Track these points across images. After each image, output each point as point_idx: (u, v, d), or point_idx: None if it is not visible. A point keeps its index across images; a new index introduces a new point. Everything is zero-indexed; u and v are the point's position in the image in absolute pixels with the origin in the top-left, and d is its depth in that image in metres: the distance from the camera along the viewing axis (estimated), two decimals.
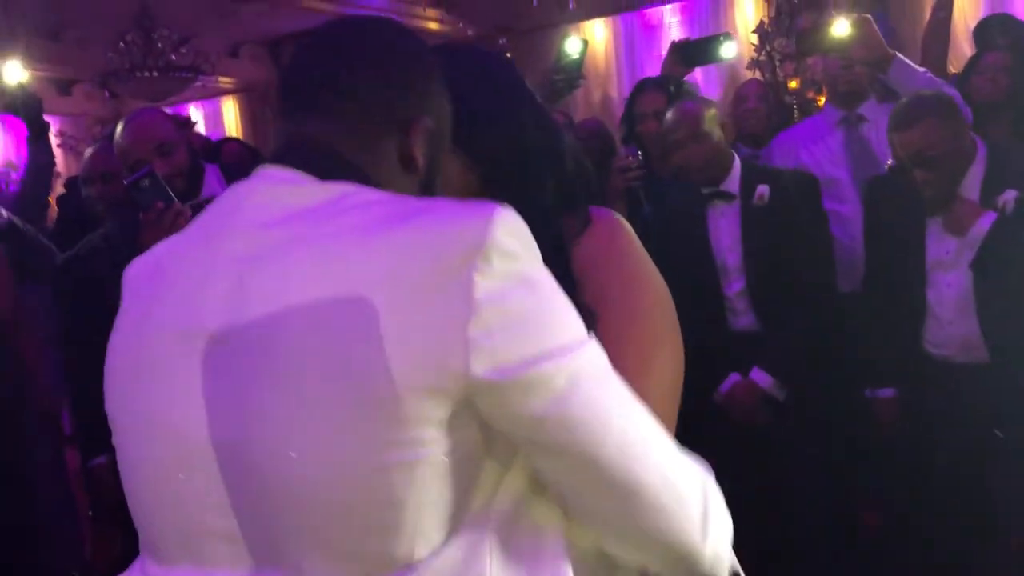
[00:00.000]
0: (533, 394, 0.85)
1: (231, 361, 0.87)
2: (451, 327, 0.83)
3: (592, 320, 1.04)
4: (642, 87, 3.50)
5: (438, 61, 1.07)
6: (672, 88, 3.33)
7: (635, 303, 1.15)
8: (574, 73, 2.85)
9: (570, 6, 5.84)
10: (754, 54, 7.26)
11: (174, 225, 1.91)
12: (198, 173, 2.42)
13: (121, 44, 7.57)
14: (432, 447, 0.84)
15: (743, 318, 2.94)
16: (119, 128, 2.32)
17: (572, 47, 2.88)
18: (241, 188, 0.96)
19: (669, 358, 1.16)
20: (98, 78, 8.05)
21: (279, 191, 0.93)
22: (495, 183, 1.17)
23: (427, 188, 1.05)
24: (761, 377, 2.85)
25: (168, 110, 3.96)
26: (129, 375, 0.95)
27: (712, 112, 2.99)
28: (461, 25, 6.70)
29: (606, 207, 1.24)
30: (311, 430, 0.83)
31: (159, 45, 7.63)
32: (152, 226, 1.92)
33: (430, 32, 7.94)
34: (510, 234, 0.86)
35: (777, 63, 7.04)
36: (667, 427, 0.98)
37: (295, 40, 10.09)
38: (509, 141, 1.19)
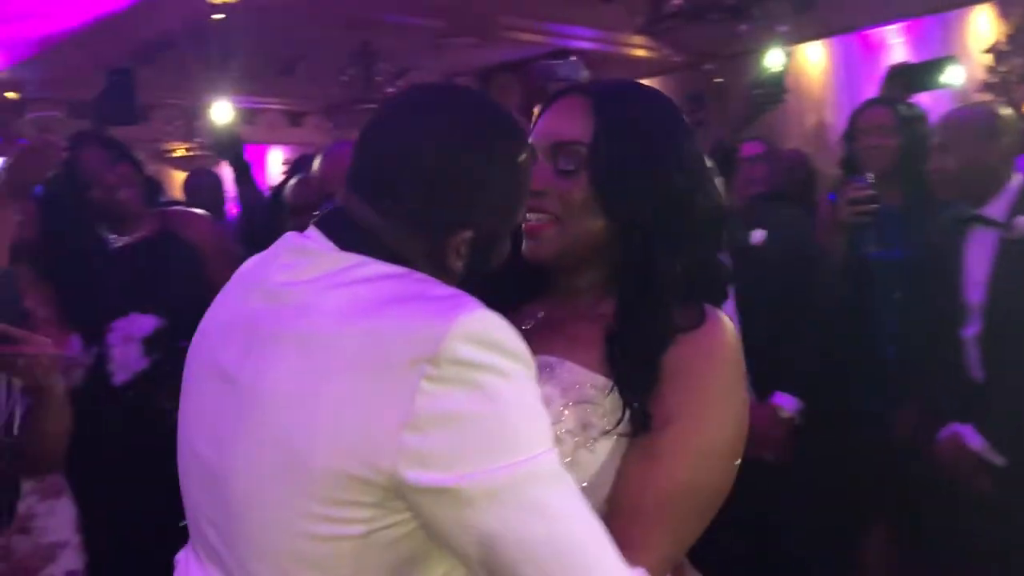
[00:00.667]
0: (455, 504, 0.87)
1: (230, 398, 0.98)
2: (388, 427, 0.86)
3: (646, 423, 1.08)
4: (867, 103, 3.25)
5: (511, 169, 1.07)
6: (899, 108, 3.06)
7: (701, 423, 1.11)
8: (776, 88, 2.69)
9: (780, 29, 5.59)
10: (987, 76, 6.66)
11: None
12: None
13: (344, 78, 8.04)
14: (362, 526, 0.89)
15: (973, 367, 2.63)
16: (316, 161, 2.41)
17: (773, 60, 2.73)
18: (282, 243, 1.07)
19: (713, 477, 1.12)
20: (323, 110, 8.59)
21: (306, 253, 1.02)
22: (626, 246, 1.18)
23: (468, 282, 1.05)
24: (973, 437, 2.55)
25: None
26: (184, 389, 1.11)
27: (997, 120, 2.63)
28: (668, 52, 6.59)
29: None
30: (260, 486, 0.92)
31: (377, 78, 8.03)
32: None
33: (637, 60, 7.89)
34: (470, 340, 0.88)
35: (1013, 85, 6.42)
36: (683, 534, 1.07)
37: (502, 70, 10.38)
38: (651, 207, 1.16)
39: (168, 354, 2.37)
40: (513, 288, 1.23)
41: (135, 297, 2.42)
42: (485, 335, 0.90)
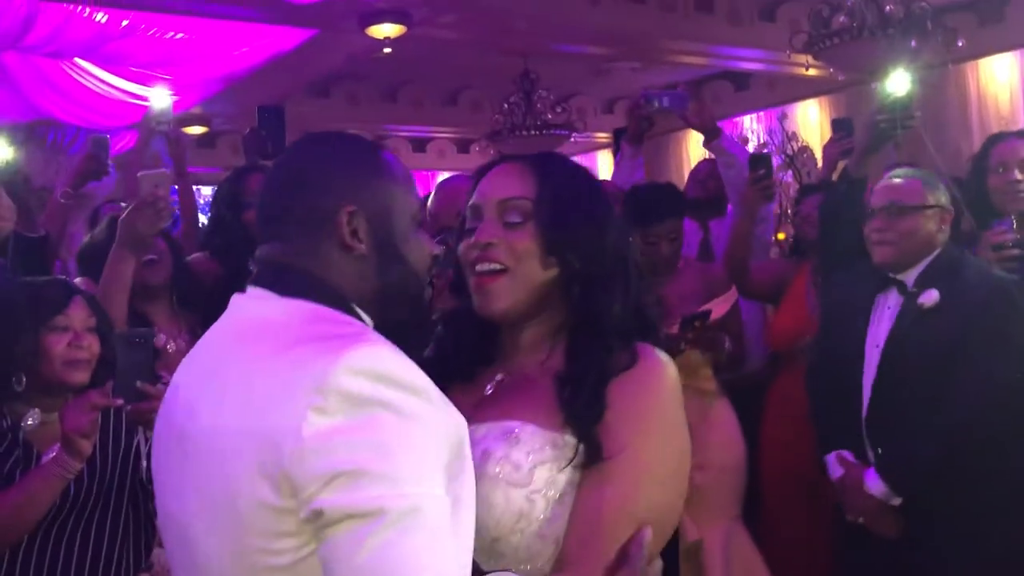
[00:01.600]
0: (336, 528, 0.90)
1: (184, 452, 1.04)
2: (284, 457, 0.91)
3: (597, 455, 1.17)
4: (1004, 135, 3.01)
5: (370, 153, 1.20)
6: None
7: (643, 451, 1.19)
8: (902, 113, 2.53)
9: (958, 43, 5.23)
10: None
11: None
12: None
13: (505, 105, 8.18)
14: (295, 554, 0.93)
15: None
16: (432, 195, 2.47)
17: (897, 84, 2.57)
18: (232, 302, 1.18)
19: (655, 498, 1.21)
20: (488, 136, 8.78)
21: (246, 309, 1.13)
22: (569, 289, 1.28)
23: (392, 266, 1.15)
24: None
25: None
26: (154, 457, 1.19)
27: None
28: (832, 71, 6.31)
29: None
30: (208, 527, 0.99)
31: (538, 105, 8.13)
32: (439, 294, 2.00)
33: (802, 79, 7.61)
34: (358, 373, 0.93)
35: None
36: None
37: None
38: (591, 253, 1.27)
39: None
40: (467, 355, 1.34)
41: None
42: (373, 368, 0.94)
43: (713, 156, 3.53)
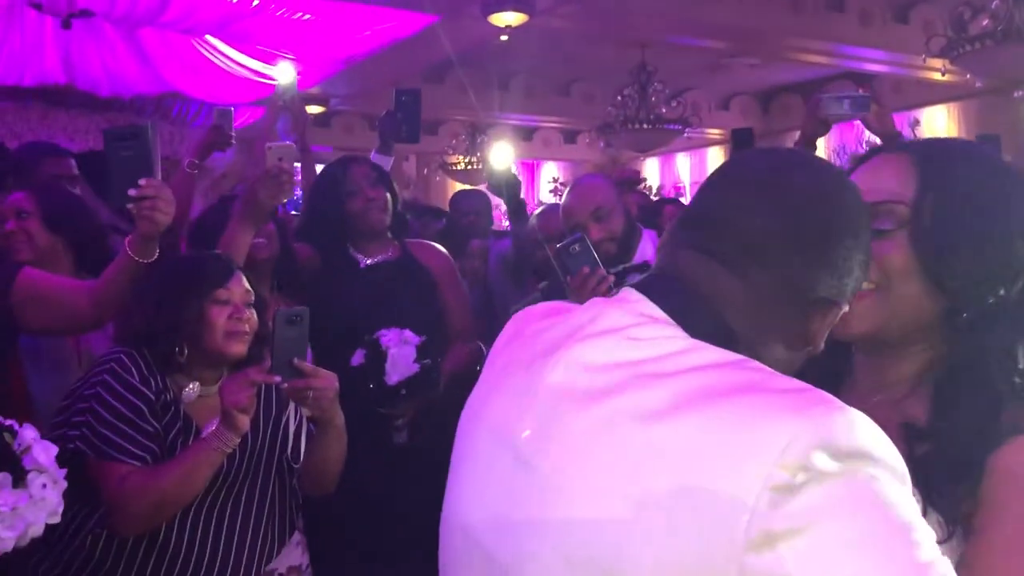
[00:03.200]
0: None
1: (523, 482, 0.86)
2: (726, 543, 0.71)
3: (956, 531, 0.91)
4: None
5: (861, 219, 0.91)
6: None
7: None
8: None
9: None
10: None
11: (596, 290, 1.95)
12: (633, 238, 2.45)
13: (618, 98, 8.11)
14: None
15: None
16: (565, 192, 2.45)
17: None
18: (596, 309, 0.91)
19: None
20: (598, 128, 8.72)
21: (623, 329, 0.86)
22: (954, 323, 1.00)
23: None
24: None
25: (641, 160, 4.07)
26: (459, 454, 0.99)
27: None
28: (968, 77, 6.02)
29: None
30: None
31: (652, 99, 8.03)
32: (577, 290, 1.97)
33: (934, 84, 7.31)
34: (828, 444, 0.71)
35: None
36: None
37: (784, 92, 9.99)
38: (984, 279, 0.99)
39: (433, 364, 2.50)
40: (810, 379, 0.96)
41: (379, 312, 2.58)
42: (847, 438, 0.73)
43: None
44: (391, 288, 2.67)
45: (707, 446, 0.74)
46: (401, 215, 2.89)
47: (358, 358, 2.46)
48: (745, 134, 3.56)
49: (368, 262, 2.76)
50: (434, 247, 2.92)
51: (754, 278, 0.87)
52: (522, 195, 3.57)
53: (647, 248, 2.39)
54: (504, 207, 3.58)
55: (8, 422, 1.48)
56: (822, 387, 0.83)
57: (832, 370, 1.08)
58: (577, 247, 2.01)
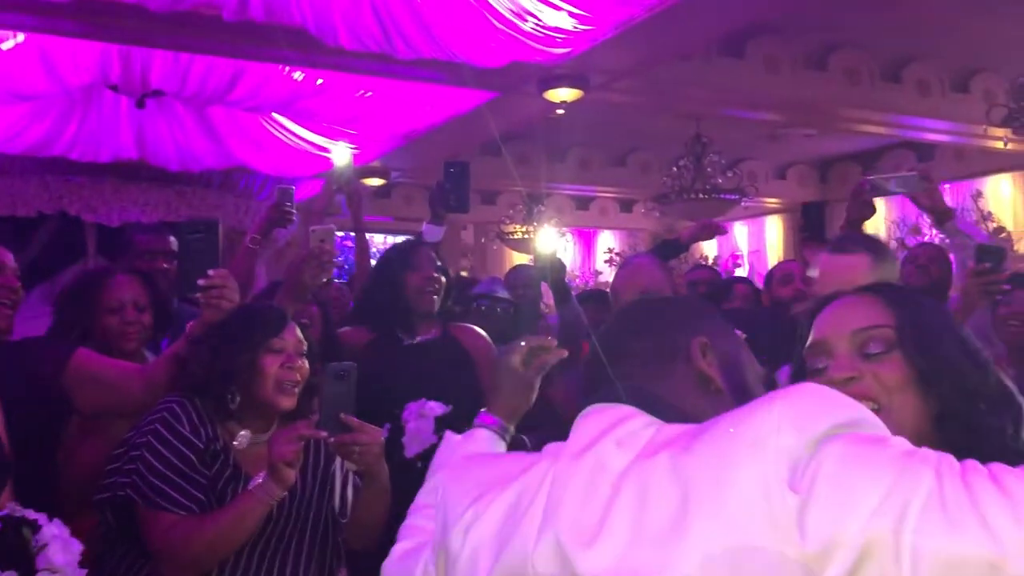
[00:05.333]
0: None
1: None
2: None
3: None
4: None
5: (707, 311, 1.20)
6: None
7: None
8: None
9: None
10: None
11: None
12: None
13: (674, 168, 8.14)
14: None
15: None
16: (616, 272, 2.49)
17: None
18: (609, 415, 1.03)
19: None
20: (654, 198, 8.75)
21: (634, 431, 0.98)
22: (948, 425, 1.12)
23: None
24: None
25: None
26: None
27: None
28: None
29: None
30: None
31: (708, 169, 8.04)
32: None
33: (994, 153, 7.21)
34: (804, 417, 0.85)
35: None
36: None
37: (842, 161, 9.93)
38: (965, 391, 1.13)
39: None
40: None
41: (422, 389, 2.62)
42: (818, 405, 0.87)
43: (944, 239, 3.26)
44: (430, 367, 2.72)
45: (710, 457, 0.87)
46: (450, 306, 2.97)
47: (383, 433, 2.49)
48: (814, 208, 3.51)
49: (410, 341, 2.81)
50: (474, 330, 2.97)
51: (642, 375, 1.09)
52: (566, 278, 3.60)
53: None
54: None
55: (34, 516, 1.48)
56: None
57: None
58: None
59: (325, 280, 2.44)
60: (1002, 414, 1.12)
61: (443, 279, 2.86)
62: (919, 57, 6.86)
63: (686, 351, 1.10)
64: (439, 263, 2.92)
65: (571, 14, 4.74)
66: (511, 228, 10.19)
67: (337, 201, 4.25)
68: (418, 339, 2.84)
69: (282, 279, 2.55)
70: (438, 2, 4.68)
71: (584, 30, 4.94)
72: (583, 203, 11.57)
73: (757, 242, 11.36)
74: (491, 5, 4.70)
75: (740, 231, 11.64)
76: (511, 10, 4.72)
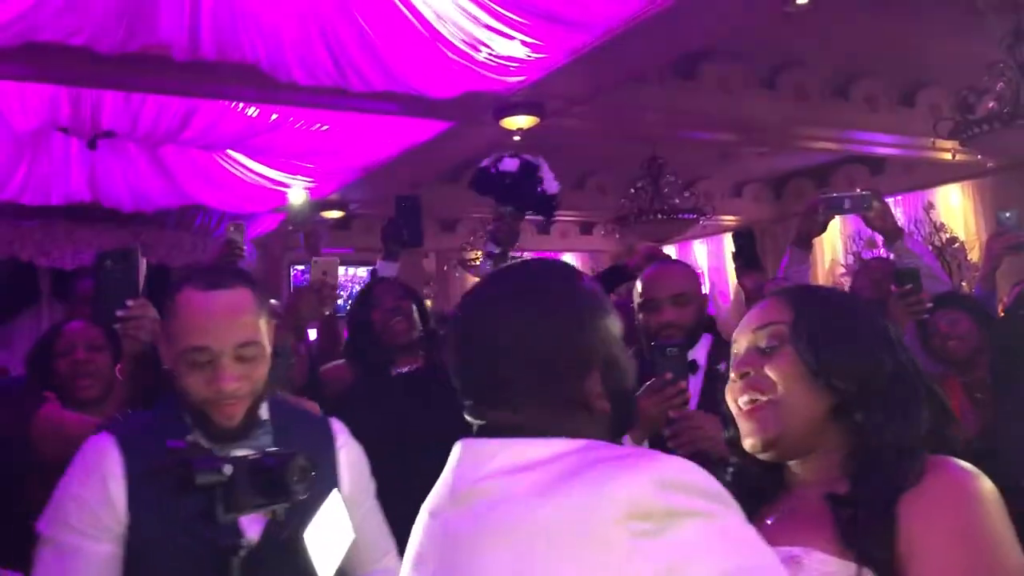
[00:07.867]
0: None
1: None
2: None
3: None
4: None
5: (594, 300, 1.11)
6: None
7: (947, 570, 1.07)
8: None
9: None
10: None
11: (669, 400, 1.89)
12: (695, 337, 2.29)
13: (632, 190, 8.20)
14: None
15: None
16: (652, 265, 2.39)
17: None
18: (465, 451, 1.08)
19: None
20: (613, 220, 8.80)
21: (480, 453, 1.04)
22: (845, 412, 1.20)
23: (624, 417, 1.11)
24: None
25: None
26: None
27: None
28: (980, 158, 6.07)
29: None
30: None
31: (665, 190, 8.12)
32: (653, 391, 1.90)
33: (945, 164, 7.36)
34: (668, 487, 0.89)
35: None
36: None
37: (796, 176, 10.08)
38: (865, 373, 1.19)
39: None
40: (747, 495, 1.18)
41: (409, 421, 2.59)
42: (680, 480, 0.91)
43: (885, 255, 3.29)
44: (418, 397, 2.68)
45: (572, 519, 0.90)
46: (432, 330, 2.93)
47: None
48: (745, 236, 3.48)
49: (396, 372, 2.79)
50: None
51: (519, 405, 1.07)
52: None
53: (700, 351, 2.29)
54: None
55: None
56: (752, 501, 1.14)
57: (760, 486, 1.28)
58: (676, 351, 1.97)
59: (327, 313, 2.40)
60: (908, 412, 1.18)
61: (409, 302, 2.83)
62: (866, 73, 7.00)
63: (577, 387, 1.09)
64: (402, 288, 2.89)
65: (524, 43, 4.78)
66: (472, 255, 10.19)
67: (296, 237, 4.23)
68: (403, 370, 2.80)
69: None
70: (391, 34, 4.68)
71: (537, 58, 4.97)
72: (544, 227, 11.60)
73: (716, 259, 11.46)
74: (444, 36, 4.71)
75: (700, 249, 11.74)
76: (464, 41, 4.74)
